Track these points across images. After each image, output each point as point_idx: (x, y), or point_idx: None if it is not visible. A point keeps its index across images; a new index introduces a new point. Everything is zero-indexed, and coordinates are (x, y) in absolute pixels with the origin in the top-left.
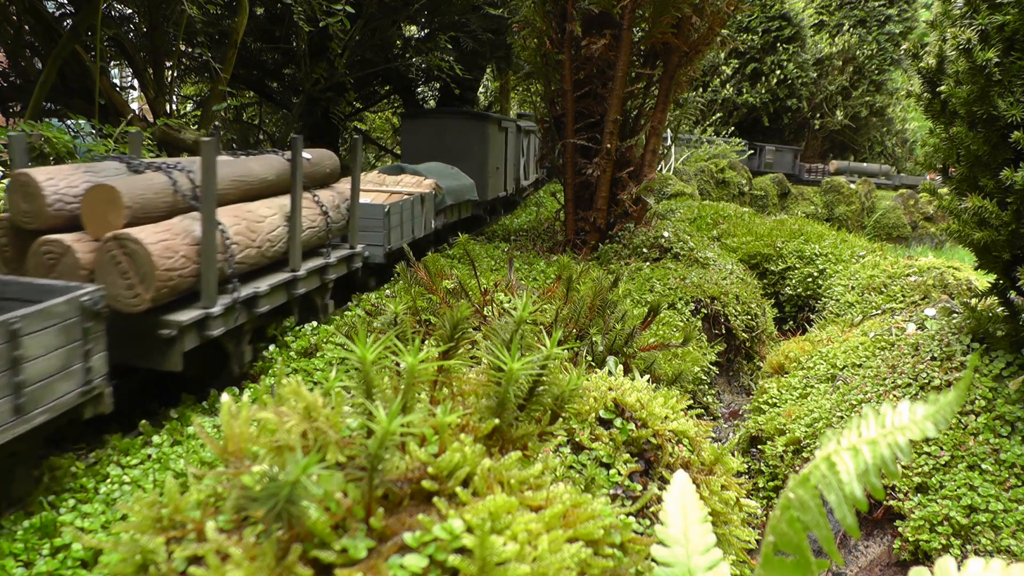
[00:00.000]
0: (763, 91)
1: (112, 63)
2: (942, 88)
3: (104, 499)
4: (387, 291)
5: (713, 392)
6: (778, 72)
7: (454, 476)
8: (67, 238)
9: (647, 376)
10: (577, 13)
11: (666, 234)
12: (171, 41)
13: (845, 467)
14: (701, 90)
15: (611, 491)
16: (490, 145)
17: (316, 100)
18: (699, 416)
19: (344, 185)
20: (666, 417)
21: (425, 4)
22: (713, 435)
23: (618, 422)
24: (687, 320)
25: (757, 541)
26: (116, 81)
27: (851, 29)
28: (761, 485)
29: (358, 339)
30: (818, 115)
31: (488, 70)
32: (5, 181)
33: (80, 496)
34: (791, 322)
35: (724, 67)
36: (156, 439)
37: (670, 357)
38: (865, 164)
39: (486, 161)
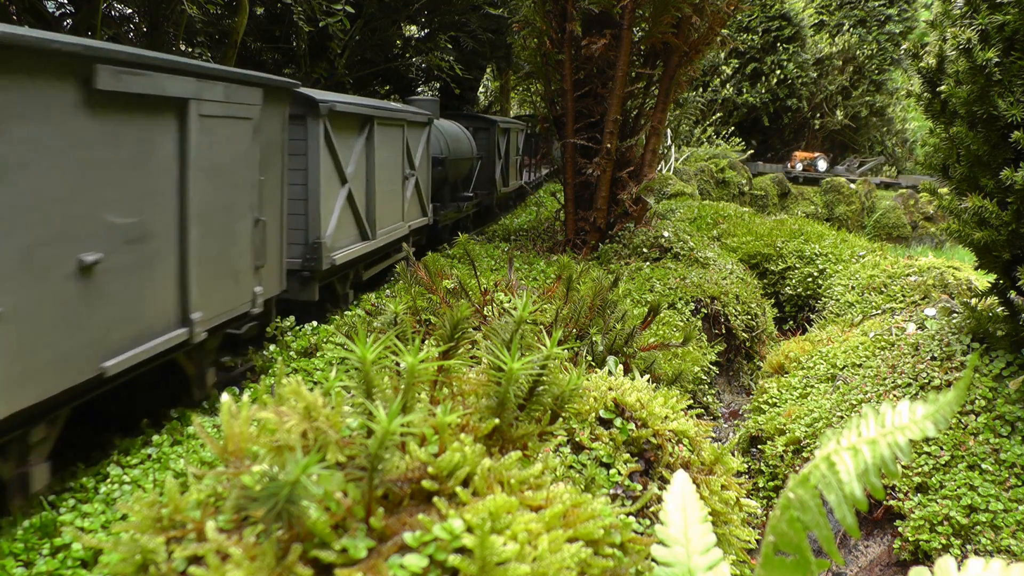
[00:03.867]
0: (763, 91)
1: None
2: (942, 88)
3: (104, 499)
4: (387, 291)
5: (713, 392)
6: (778, 72)
7: (454, 476)
8: None
9: (647, 376)
10: (577, 13)
11: (666, 234)
12: (171, 41)
13: (845, 467)
14: (701, 90)
15: (611, 491)
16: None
17: None
18: (699, 416)
19: None
20: (666, 417)
21: (425, 4)
22: (713, 435)
23: (618, 422)
24: (687, 320)
25: (757, 541)
26: None
27: (851, 29)
28: (761, 485)
29: (358, 339)
30: (818, 115)
31: (488, 70)
32: None
33: (80, 496)
34: (791, 322)
35: (724, 67)
36: (156, 439)
37: (670, 357)
38: None
39: None
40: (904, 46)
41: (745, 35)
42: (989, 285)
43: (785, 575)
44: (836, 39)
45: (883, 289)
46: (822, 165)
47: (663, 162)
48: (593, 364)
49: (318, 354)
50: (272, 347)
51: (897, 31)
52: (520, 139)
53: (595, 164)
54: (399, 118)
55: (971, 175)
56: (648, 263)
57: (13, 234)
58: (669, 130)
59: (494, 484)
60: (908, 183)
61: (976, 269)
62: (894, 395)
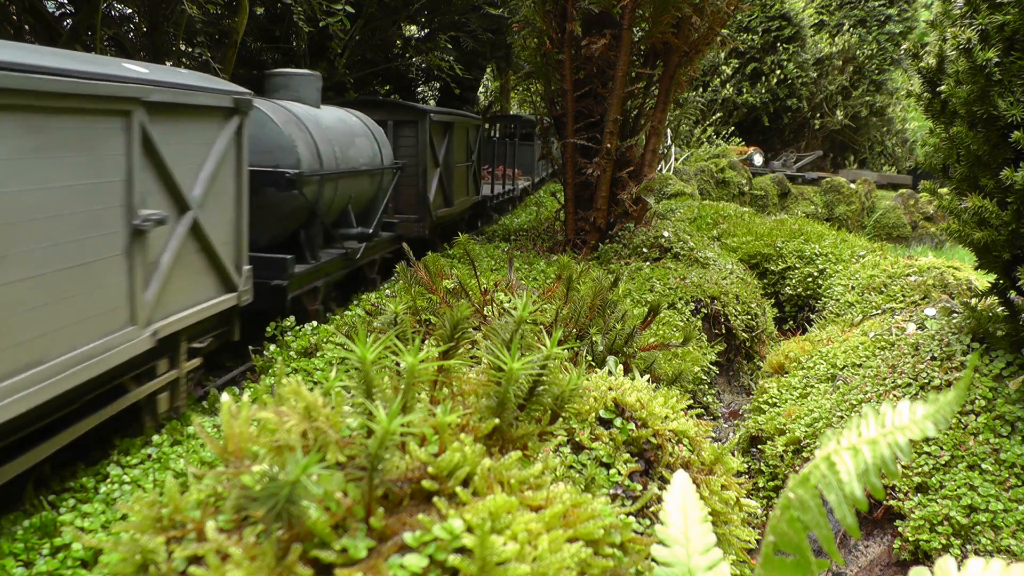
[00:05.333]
0: (763, 91)
1: None
2: (942, 88)
3: (104, 499)
4: (387, 291)
5: (713, 392)
6: (778, 72)
7: (454, 476)
8: None
9: (647, 376)
10: (577, 13)
11: (666, 234)
12: (171, 41)
13: (845, 467)
14: (701, 90)
15: (611, 491)
16: None
17: None
18: (699, 416)
19: None
20: (666, 417)
21: (425, 4)
22: (713, 435)
23: (618, 422)
24: (687, 320)
25: (757, 541)
26: None
27: (851, 29)
28: (761, 485)
29: (358, 339)
30: (818, 115)
31: (488, 70)
32: None
33: (80, 496)
34: (791, 322)
35: (724, 67)
36: (156, 439)
37: (670, 357)
38: None
39: None
40: (904, 46)
41: (745, 35)
42: (989, 285)
43: (785, 575)
44: (836, 39)
45: (883, 289)
46: (757, 160)
47: (663, 162)
48: (593, 364)
49: (318, 354)
50: (272, 347)
51: (897, 31)
52: (475, 138)
53: (595, 164)
54: (98, 94)
55: (971, 175)
56: (648, 263)
57: None
58: (669, 130)
59: (494, 484)
60: (850, 177)
61: (976, 269)
62: (894, 395)
